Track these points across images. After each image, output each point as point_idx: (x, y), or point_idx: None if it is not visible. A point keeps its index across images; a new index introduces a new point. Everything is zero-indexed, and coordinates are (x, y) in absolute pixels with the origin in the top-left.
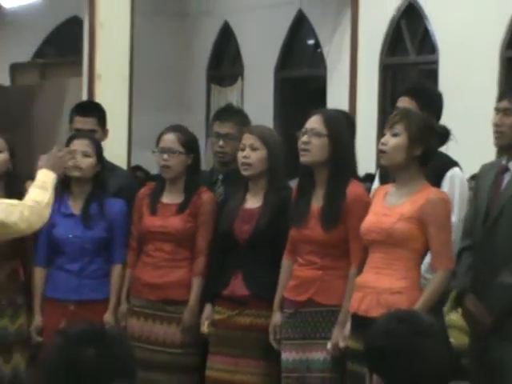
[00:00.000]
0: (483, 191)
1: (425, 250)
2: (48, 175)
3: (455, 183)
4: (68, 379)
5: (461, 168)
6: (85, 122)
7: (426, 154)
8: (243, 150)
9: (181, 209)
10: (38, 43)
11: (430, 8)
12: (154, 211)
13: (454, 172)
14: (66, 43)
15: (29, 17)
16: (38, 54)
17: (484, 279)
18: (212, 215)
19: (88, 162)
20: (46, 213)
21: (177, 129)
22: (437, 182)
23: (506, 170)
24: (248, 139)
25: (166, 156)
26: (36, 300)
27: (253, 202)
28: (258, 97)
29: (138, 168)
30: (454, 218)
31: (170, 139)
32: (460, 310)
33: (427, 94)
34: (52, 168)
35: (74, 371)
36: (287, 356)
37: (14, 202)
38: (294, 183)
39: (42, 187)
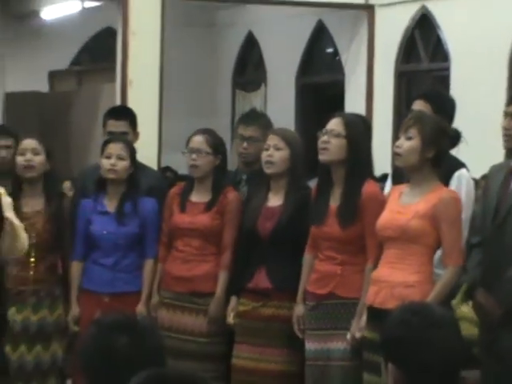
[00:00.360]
0: (493, 191)
1: (437, 245)
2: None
3: (462, 183)
4: (103, 366)
5: (468, 169)
6: (117, 125)
7: (439, 156)
8: (267, 149)
9: (208, 207)
10: (74, 52)
11: (442, 18)
12: (183, 209)
13: (461, 173)
14: (101, 51)
15: (66, 27)
16: (75, 61)
17: (494, 274)
18: (237, 213)
19: (122, 165)
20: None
21: (206, 131)
22: (445, 182)
23: None
24: (272, 140)
25: (194, 156)
26: (73, 292)
27: (274, 201)
28: (280, 102)
29: (167, 169)
30: (464, 215)
31: (199, 140)
32: (470, 302)
33: (441, 98)
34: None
35: (108, 359)
36: (310, 346)
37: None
38: (312, 183)
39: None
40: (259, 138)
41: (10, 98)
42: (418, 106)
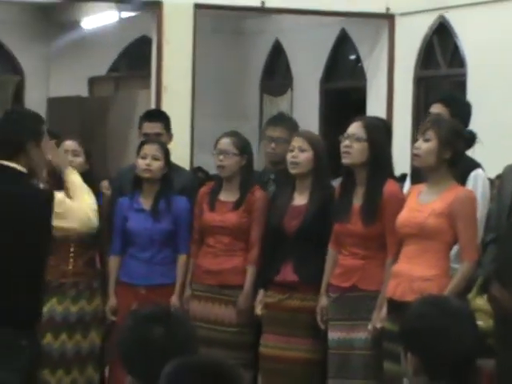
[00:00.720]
0: (507, 190)
1: (453, 242)
2: (72, 176)
3: (478, 183)
4: (139, 355)
5: (483, 169)
6: (152, 127)
7: (455, 157)
8: (292, 151)
9: (236, 205)
10: (112, 59)
11: (459, 26)
12: (212, 208)
13: (477, 173)
14: (137, 59)
15: (104, 36)
16: (113, 68)
17: (508, 269)
18: (264, 211)
19: (157, 165)
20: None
21: (232, 134)
22: (462, 181)
23: None
24: (297, 142)
25: (221, 157)
26: (111, 284)
27: (300, 200)
28: (305, 106)
29: (199, 169)
30: (479, 213)
31: (226, 142)
32: (485, 295)
33: (458, 102)
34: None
35: (145, 348)
36: (333, 335)
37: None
38: (335, 183)
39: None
40: (286, 139)
41: (53, 102)
42: (437, 109)
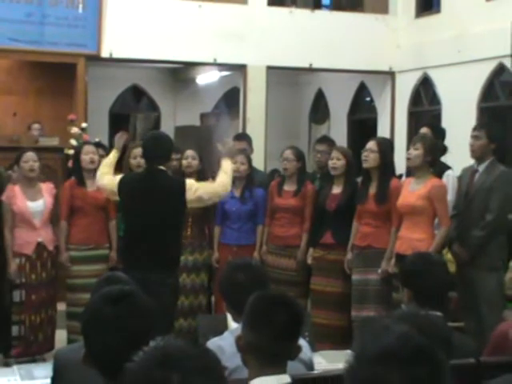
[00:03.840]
0: (463, 184)
1: (434, 216)
2: (228, 163)
3: (449, 179)
4: (232, 290)
5: (453, 170)
6: (240, 144)
7: (433, 160)
8: (332, 159)
9: (295, 193)
10: (215, 101)
11: (436, 79)
12: (280, 194)
13: (449, 172)
14: (231, 101)
15: (210, 87)
16: (216, 107)
17: (464, 233)
18: (313, 197)
19: (243, 168)
20: (226, 187)
21: (292, 147)
22: (439, 177)
23: (477, 171)
24: (335, 153)
25: (285, 162)
26: (215, 243)
27: (336, 190)
28: (338, 130)
29: (275, 170)
30: (450, 198)
31: (288, 152)
32: (451, 251)
33: (438, 126)
34: (229, 156)
35: (236, 286)
36: (355, 277)
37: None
38: (358, 179)
39: (225, 172)
40: (327, 151)
41: (178, 129)
42: (424, 130)
